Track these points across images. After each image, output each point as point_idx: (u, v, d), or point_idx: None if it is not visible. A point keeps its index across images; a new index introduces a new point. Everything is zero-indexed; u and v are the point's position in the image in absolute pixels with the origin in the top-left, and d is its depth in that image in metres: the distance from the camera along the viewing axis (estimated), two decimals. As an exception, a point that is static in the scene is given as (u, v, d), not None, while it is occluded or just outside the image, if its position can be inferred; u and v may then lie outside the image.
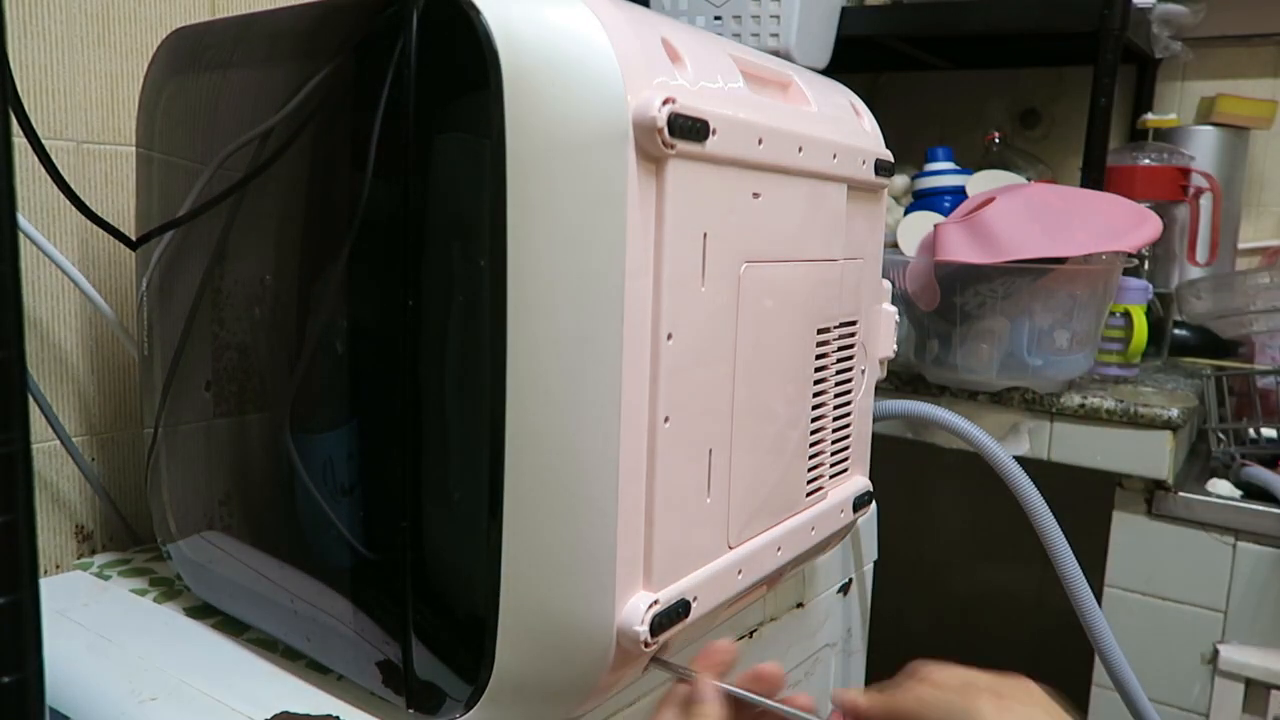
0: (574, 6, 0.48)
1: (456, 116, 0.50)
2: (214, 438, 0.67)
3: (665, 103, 0.47)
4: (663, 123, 0.47)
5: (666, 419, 0.51)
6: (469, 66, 0.48)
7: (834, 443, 0.71)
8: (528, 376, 0.49)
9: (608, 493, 0.49)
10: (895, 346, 0.80)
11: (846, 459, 0.74)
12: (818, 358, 0.67)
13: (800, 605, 0.87)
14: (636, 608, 0.51)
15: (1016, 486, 1.01)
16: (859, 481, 0.77)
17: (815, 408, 0.67)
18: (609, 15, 0.49)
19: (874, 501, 0.81)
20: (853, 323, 0.72)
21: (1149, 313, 1.23)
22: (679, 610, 0.53)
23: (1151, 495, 1.14)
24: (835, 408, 0.70)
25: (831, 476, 0.72)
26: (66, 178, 0.74)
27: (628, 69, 0.48)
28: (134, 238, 0.72)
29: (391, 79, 0.51)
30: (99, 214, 0.76)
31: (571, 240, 0.48)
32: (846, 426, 0.73)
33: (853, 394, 0.73)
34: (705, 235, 0.52)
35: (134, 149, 0.73)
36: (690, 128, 0.49)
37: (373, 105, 0.52)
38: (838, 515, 0.73)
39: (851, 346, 0.72)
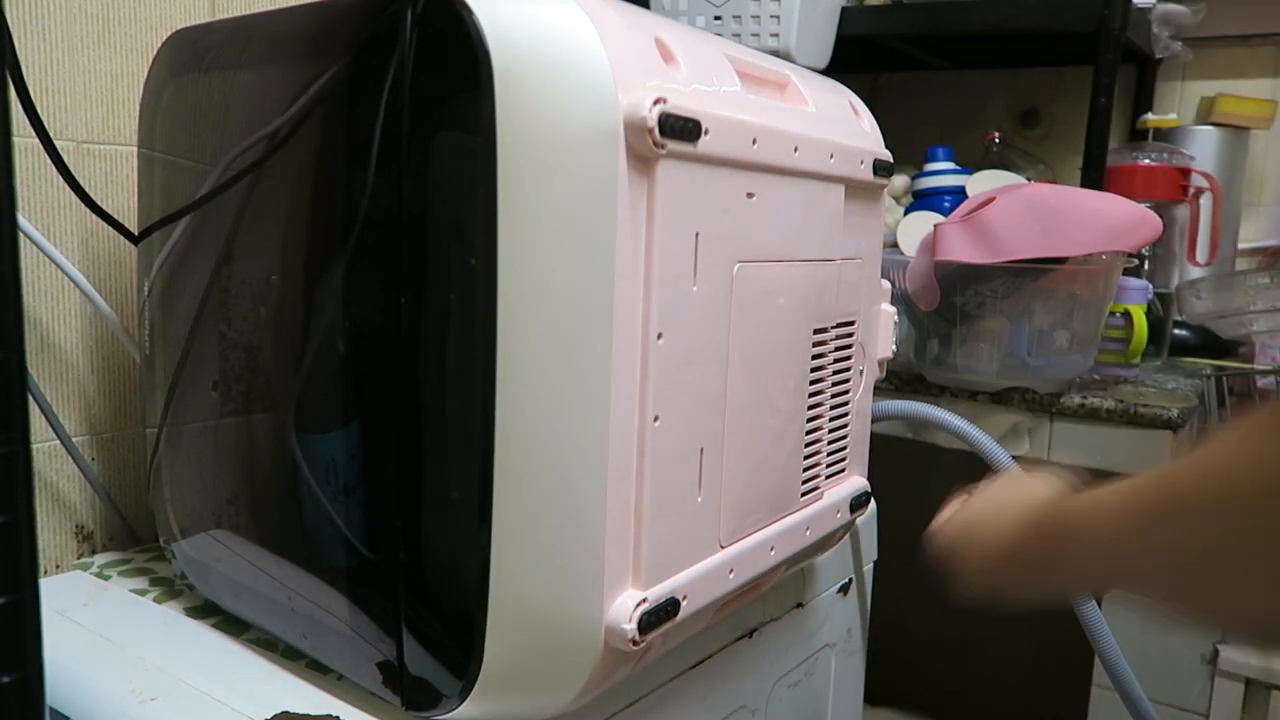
0: (566, 6, 0.48)
1: (449, 115, 0.50)
2: (221, 437, 0.67)
3: (656, 103, 0.47)
4: (653, 123, 0.47)
5: (656, 418, 0.51)
6: (461, 65, 0.48)
7: (830, 443, 0.71)
8: (517, 375, 0.49)
9: (596, 491, 0.49)
10: (894, 347, 0.80)
11: (844, 459, 0.74)
12: (814, 358, 0.67)
13: (800, 605, 0.87)
14: (625, 606, 0.51)
15: (1016, 486, 1.00)
16: (857, 482, 0.77)
17: (811, 408, 0.67)
18: (601, 15, 0.49)
19: (873, 501, 0.82)
20: (850, 323, 0.72)
21: (1149, 313, 1.23)
22: (668, 609, 0.53)
23: (1151, 495, 1.14)
24: (832, 408, 0.70)
25: (828, 477, 0.72)
26: (66, 178, 0.74)
27: (619, 69, 0.48)
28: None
29: (388, 79, 0.51)
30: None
31: (562, 239, 0.48)
32: (844, 427, 0.73)
33: (850, 394, 0.74)
34: (697, 235, 0.53)
35: (134, 149, 0.73)
36: (682, 128, 0.49)
37: (371, 105, 0.52)
38: (834, 516, 0.73)
39: (849, 347, 0.72)
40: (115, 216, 0.77)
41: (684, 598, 0.55)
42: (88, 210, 0.75)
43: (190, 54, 0.68)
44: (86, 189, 0.75)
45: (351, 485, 0.57)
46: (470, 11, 0.48)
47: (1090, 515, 0.47)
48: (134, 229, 0.73)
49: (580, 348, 0.49)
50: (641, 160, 0.49)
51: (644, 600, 0.51)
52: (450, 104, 0.50)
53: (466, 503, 0.51)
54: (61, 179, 0.73)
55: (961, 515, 0.61)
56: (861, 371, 0.76)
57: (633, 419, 0.50)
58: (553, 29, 0.48)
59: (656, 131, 0.47)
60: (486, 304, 0.49)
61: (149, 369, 0.72)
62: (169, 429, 0.71)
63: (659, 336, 0.51)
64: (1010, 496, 0.58)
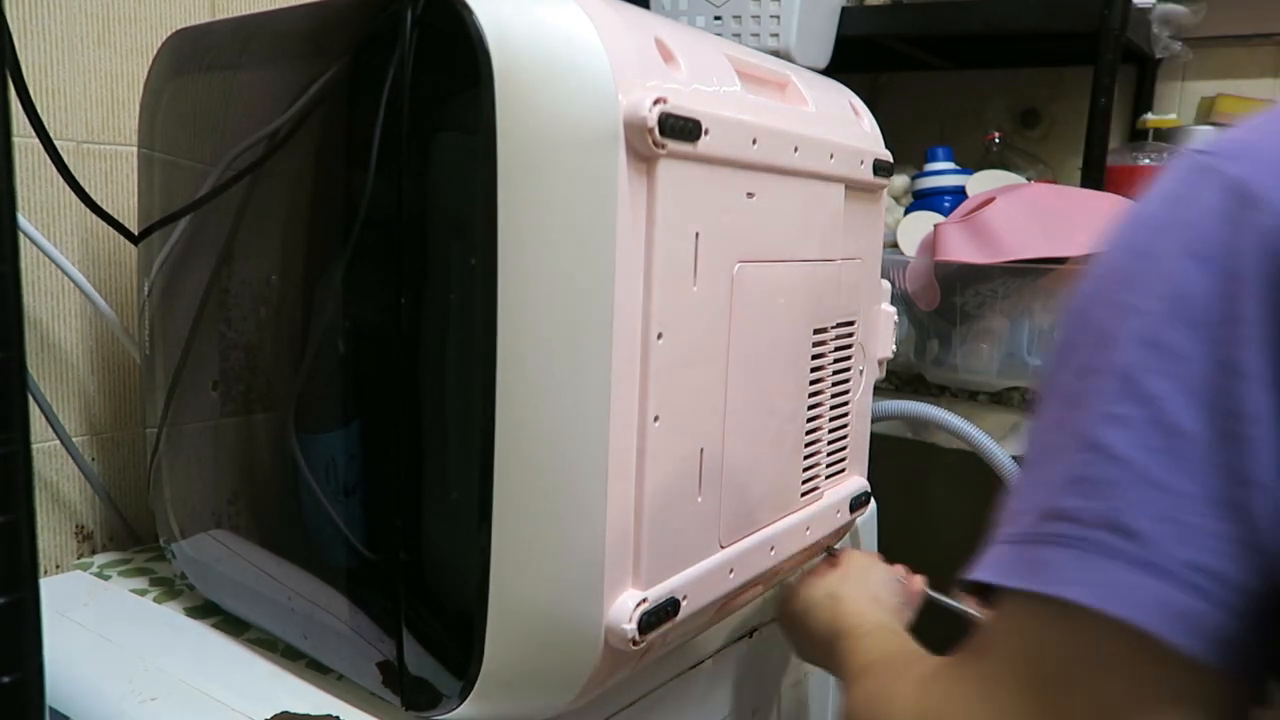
0: (566, 6, 0.48)
1: (449, 115, 0.50)
2: (220, 437, 0.67)
3: (656, 103, 0.47)
4: (654, 123, 0.47)
5: (656, 418, 0.51)
6: (461, 65, 0.48)
7: (830, 443, 0.71)
8: (517, 375, 0.49)
9: (596, 491, 0.49)
10: (894, 347, 0.80)
11: (844, 459, 0.74)
12: (814, 358, 0.67)
13: (799, 605, 0.87)
14: (625, 606, 0.51)
15: (1016, 486, 1.00)
16: (857, 482, 0.77)
17: (811, 408, 0.67)
18: (601, 15, 0.49)
19: (873, 501, 0.82)
20: (850, 323, 0.72)
21: (1149, 312, 1.23)
22: (668, 609, 0.53)
23: (1151, 495, 1.14)
24: (832, 408, 0.70)
25: (828, 477, 0.72)
26: (66, 178, 0.74)
27: (619, 69, 0.48)
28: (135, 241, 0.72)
29: (388, 79, 0.51)
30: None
31: (561, 239, 0.48)
32: (844, 427, 0.73)
33: (850, 394, 0.74)
34: (697, 235, 0.53)
35: (134, 149, 0.73)
36: (682, 128, 0.49)
37: (371, 105, 0.52)
38: (834, 515, 0.73)
39: (849, 347, 0.72)
40: (115, 216, 0.77)
41: (684, 598, 0.55)
42: (88, 210, 0.75)
43: (190, 54, 0.68)
44: (86, 189, 0.75)
45: (351, 485, 0.57)
46: (470, 11, 0.48)
47: (854, 657, 0.61)
48: (134, 229, 0.73)
49: (580, 348, 0.49)
50: (641, 160, 0.49)
51: (644, 600, 0.51)
52: (450, 103, 0.50)
53: (466, 503, 0.51)
54: (61, 179, 0.73)
55: (805, 597, 0.72)
56: (861, 371, 0.76)
57: (633, 419, 0.50)
58: (553, 29, 0.48)
59: (656, 131, 0.47)
60: (486, 304, 0.49)
61: (149, 369, 0.72)
62: (169, 429, 0.71)
63: (659, 336, 0.51)
64: (842, 599, 0.70)
